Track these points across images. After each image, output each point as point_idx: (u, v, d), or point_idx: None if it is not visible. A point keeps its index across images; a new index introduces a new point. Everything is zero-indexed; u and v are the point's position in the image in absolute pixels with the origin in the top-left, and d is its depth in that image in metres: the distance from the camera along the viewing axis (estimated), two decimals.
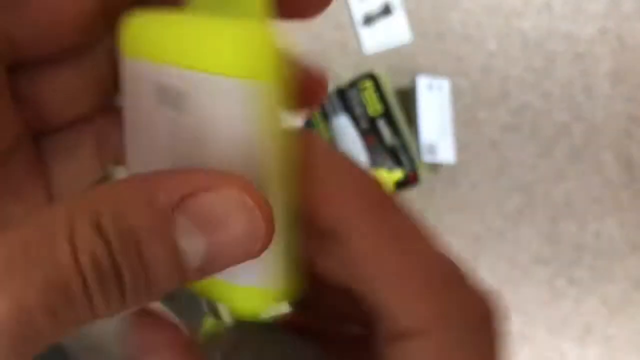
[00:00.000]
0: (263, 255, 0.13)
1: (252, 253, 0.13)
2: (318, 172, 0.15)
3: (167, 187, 0.13)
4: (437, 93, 0.77)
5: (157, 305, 0.15)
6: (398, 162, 0.76)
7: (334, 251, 0.15)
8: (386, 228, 0.14)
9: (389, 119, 0.76)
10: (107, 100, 0.18)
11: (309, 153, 0.15)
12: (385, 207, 0.15)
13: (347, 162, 0.15)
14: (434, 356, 0.14)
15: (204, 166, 0.14)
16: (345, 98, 0.76)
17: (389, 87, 0.77)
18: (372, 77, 0.76)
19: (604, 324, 0.82)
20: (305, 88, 0.16)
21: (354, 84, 0.76)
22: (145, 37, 0.15)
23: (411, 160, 0.76)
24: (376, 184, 0.15)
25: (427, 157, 0.76)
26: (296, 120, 0.73)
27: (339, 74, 0.79)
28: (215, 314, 0.16)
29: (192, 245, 0.13)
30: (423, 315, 0.14)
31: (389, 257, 0.14)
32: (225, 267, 0.13)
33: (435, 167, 0.80)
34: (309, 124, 0.76)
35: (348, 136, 0.76)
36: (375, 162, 0.76)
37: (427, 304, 0.14)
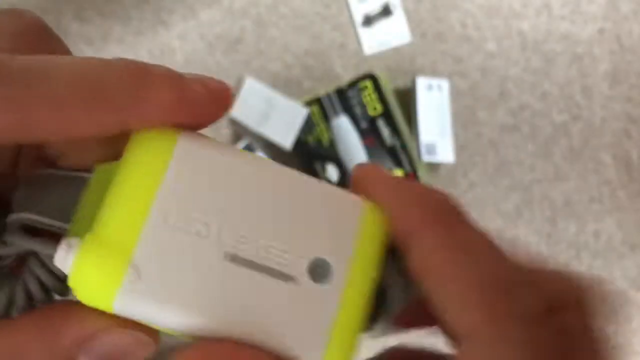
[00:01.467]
0: None
1: None
2: (382, 197, 0.16)
3: (68, 329, 0.14)
4: (437, 93, 0.77)
5: None
6: (398, 162, 0.76)
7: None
8: (448, 240, 0.15)
9: (388, 119, 0.76)
10: None
11: (369, 183, 0.16)
12: (449, 219, 0.15)
13: (406, 182, 0.16)
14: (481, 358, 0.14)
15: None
16: (345, 98, 0.76)
17: (388, 87, 0.77)
18: (372, 78, 0.76)
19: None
20: (209, 99, 0.15)
21: (354, 84, 0.76)
22: None
23: (411, 160, 0.76)
24: (439, 197, 0.16)
25: (426, 157, 0.76)
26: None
27: (339, 74, 0.79)
28: None
29: None
30: (473, 323, 0.14)
31: (449, 269, 0.15)
32: None
33: (434, 167, 0.80)
34: (309, 124, 0.76)
35: (348, 136, 0.76)
36: (375, 162, 0.76)
37: (477, 313, 0.14)
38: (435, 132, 0.77)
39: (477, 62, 0.80)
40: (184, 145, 0.15)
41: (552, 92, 0.81)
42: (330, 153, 0.76)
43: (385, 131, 0.76)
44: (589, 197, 0.82)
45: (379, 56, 0.79)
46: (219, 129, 0.78)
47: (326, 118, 0.76)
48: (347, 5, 0.79)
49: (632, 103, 0.82)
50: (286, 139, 0.76)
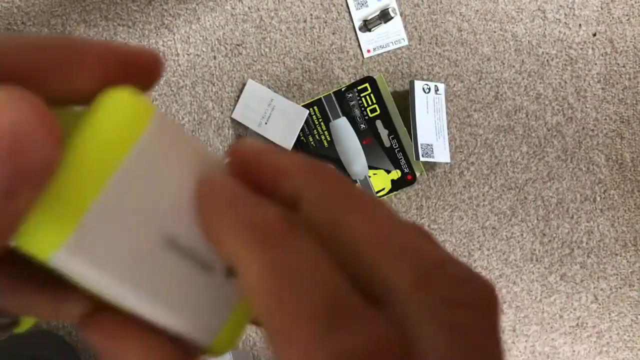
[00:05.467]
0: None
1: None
2: (210, 211, 0.15)
3: None
4: (433, 95, 0.78)
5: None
6: (395, 163, 0.77)
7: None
8: (271, 263, 0.13)
9: (386, 120, 0.77)
10: None
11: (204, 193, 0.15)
12: (272, 239, 0.14)
13: (241, 197, 0.15)
14: None
15: None
16: (344, 100, 0.77)
17: (386, 89, 0.78)
18: (371, 80, 0.77)
19: (596, 319, 0.83)
20: (137, 68, 0.15)
21: (353, 86, 0.77)
22: None
23: (408, 161, 0.77)
24: (267, 216, 0.14)
25: (423, 158, 0.76)
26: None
27: (339, 77, 0.80)
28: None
29: None
30: None
31: (270, 301, 0.13)
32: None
33: (431, 167, 0.81)
34: (308, 126, 0.77)
35: (346, 137, 0.77)
36: (373, 163, 0.77)
37: (293, 352, 0.13)
38: (432, 133, 0.77)
39: (472, 65, 0.81)
40: (156, 122, 0.15)
41: (546, 94, 0.81)
42: (330, 154, 0.77)
43: (383, 132, 0.77)
44: (582, 197, 0.82)
45: (377, 59, 0.80)
46: (222, 129, 0.78)
47: (326, 119, 0.77)
48: (347, 10, 0.80)
49: (624, 105, 0.82)
50: (287, 140, 0.76)
